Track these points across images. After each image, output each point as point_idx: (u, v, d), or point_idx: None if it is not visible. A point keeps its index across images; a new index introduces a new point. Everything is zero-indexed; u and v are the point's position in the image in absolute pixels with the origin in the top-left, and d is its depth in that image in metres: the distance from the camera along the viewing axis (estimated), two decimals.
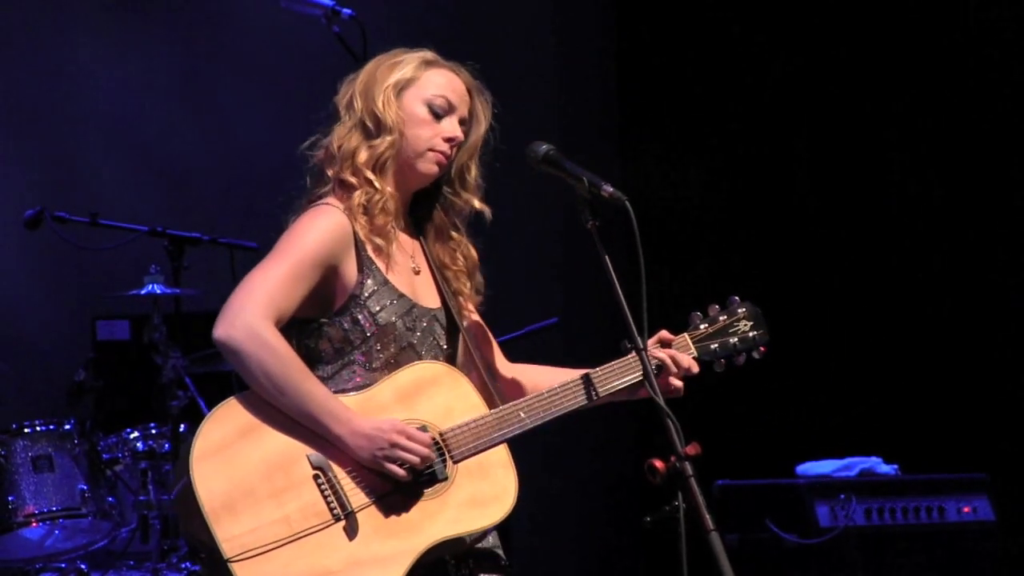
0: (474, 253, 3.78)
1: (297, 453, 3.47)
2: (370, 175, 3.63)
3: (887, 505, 6.33)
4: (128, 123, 8.02)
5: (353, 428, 3.46)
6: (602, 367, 3.64)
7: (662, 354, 3.67)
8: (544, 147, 3.62)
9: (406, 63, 3.71)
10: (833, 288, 7.71)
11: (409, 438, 3.46)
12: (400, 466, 3.46)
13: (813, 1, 7.82)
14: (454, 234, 3.76)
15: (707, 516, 3.27)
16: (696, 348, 3.75)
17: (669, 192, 8.18)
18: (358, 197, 3.62)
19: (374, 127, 3.67)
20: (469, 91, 3.72)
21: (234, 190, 8.11)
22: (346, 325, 3.60)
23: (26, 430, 6.34)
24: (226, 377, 6.64)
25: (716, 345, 3.76)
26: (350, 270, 3.60)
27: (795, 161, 7.94)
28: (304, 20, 5.49)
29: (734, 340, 3.78)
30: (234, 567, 3.39)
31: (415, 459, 3.46)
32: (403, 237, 3.72)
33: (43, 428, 6.36)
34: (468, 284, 3.76)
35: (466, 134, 3.70)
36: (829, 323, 7.54)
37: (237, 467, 3.45)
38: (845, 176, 7.76)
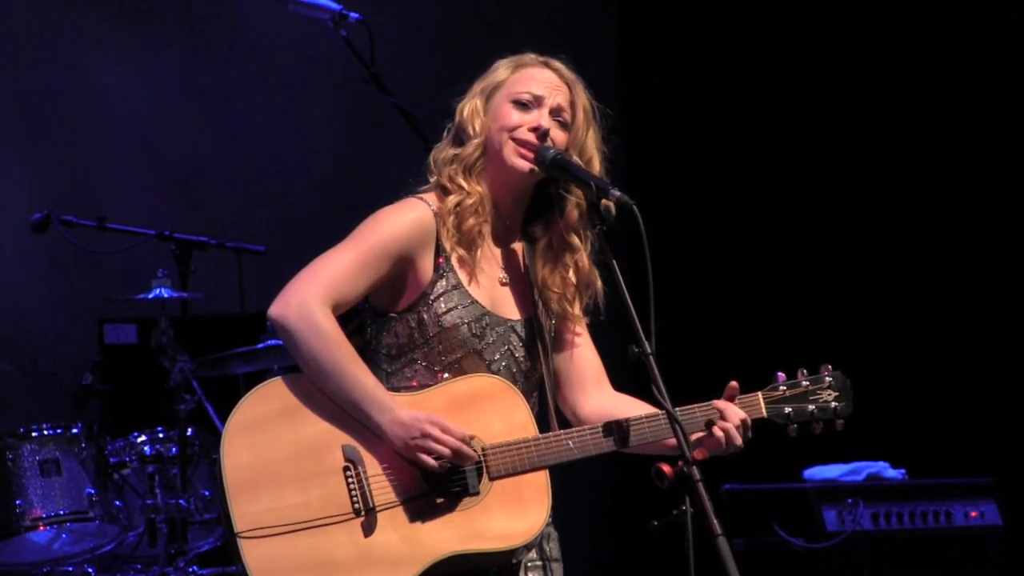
0: (588, 268, 3.70)
1: (332, 441, 3.48)
2: (461, 180, 3.62)
3: (894, 509, 6.32)
4: (135, 127, 8.02)
5: (392, 417, 3.46)
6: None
7: (718, 403, 3.61)
8: (552, 151, 3.61)
9: (498, 69, 3.71)
10: (840, 293, 7.71)
11: (443, 430, 3.45)
12: (431, 457, 3.45)
13: (819, 3, 7.84)
14: (569, 251, 3.69)
15: (714, 520, 3.26)
16: (767, 408, 3.68)
17: (676, 195, 8.19)
18: (451, 201, 3.61)
19: (464, 137, 3.67)
20: (565, 82, 3.69)
21: (241, 194, 8.12)
22: (412, 323, 3.59)
23: (33, 434, 6.34)
24: (234, 381, 6.65)
25: (791, 409, 3.69)
26: (425, 267, 3.60)
27: (802, 165, 7.94)
28: (312, 24, 5.49)
29: (812, 407, 3.71)
30: (241, 542, 3.41)
31: (446, 451, 3.44)
32: (498, 245, 3.70)
33: (50, 432, 6.36)
34: (574, 306, 3.72)
35: (565, 124, 3.66)
36: (836, 327, 7.53)
37: (268, 445, 3.46)
38: (851, 179, 7.76)
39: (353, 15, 5.34)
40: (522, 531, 3.50)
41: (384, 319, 3.63)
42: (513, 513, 3.49)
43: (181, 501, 6.39)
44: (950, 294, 7.38)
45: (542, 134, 3.62)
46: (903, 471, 6.56)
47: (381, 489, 3.47)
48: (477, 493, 3.49)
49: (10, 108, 7.86)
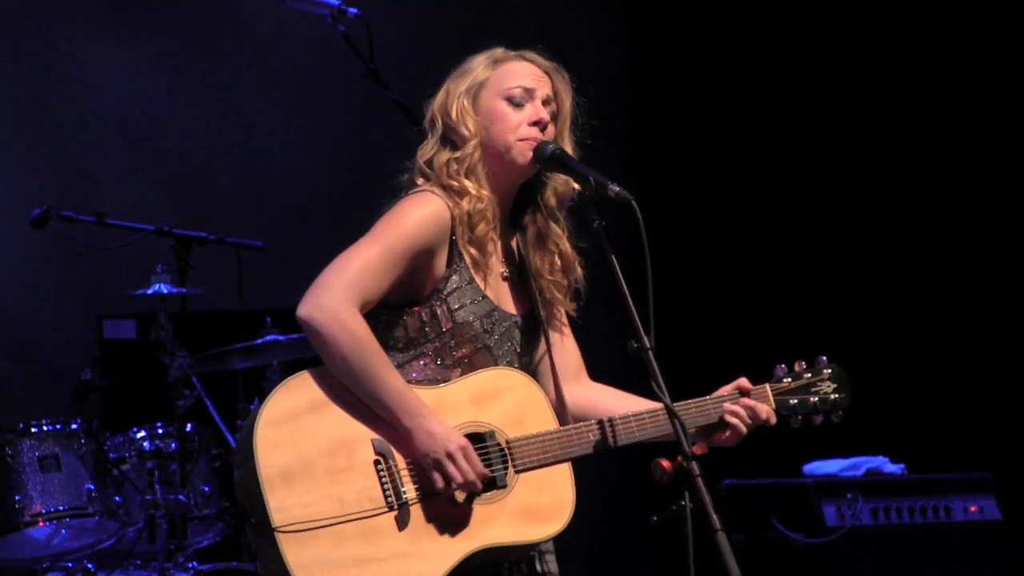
0: (569, 253, 3.73)
1: (363, 436, 3.48)
2: (466, 182, 3.61)
3: (894, 504, 6.33)
4: (134, 122, 8.02)
5: (422, 424, 3.46)
6: (681, 403, 3.59)
7: (746, 403, 3.65)
8: (551, 146, 3.62)
9: (475, 67, 3.70)
10: (841, 291, 7.71)
11: (466, 458, 3.44)
12: (441, 478, 3.45)
13: (820, 3, 7.84)
14: (553, 238, 3.72)
15: (714, 516, 3.26)
16: (775, 400, 3.72)
17: (679, 193, 8.20)
18: (464, 205, 3.60)
19: (456, 139, 3.66)
20: (546, 72, 3.70)
21: (240, 189, 8.12)
22: (424, 317, 3.60)
23: (33, 429, 6.34)
24: (233, 376, 6.64)
25: (795, 401, 3.74)
26: (440, 261, 3.60)
27: (803, 164, 7.94)
28: (310, 19, 5.48)
29: (815, 399, 3.76)
30: (279, 537, 3.40)
31: (459, 478, 3.44)
32: (499, 240, 3.70)
33: (50, 427, 6.36)
34: (563, 292, 3.74)
35: (554, 114, 3.69)
36: (837, 324, 7.53)
37: (301, 439, 3.45)
38: (851, 178, 7.76)
39: (352, 10, 5.33)
40: (552, 522, 3.52)
41: (395, 312, 3.62)
42: (541, 504, 3.51)
43: (180, 496, 6.38)
44: (949, 291, 7.38)
45: (543, 127, 3.63)
46: (903, 466, 6.56)
47: (413, 483, 3.47)
48: (505, 486, 3.50)
49: (9, 103, 7.85)
